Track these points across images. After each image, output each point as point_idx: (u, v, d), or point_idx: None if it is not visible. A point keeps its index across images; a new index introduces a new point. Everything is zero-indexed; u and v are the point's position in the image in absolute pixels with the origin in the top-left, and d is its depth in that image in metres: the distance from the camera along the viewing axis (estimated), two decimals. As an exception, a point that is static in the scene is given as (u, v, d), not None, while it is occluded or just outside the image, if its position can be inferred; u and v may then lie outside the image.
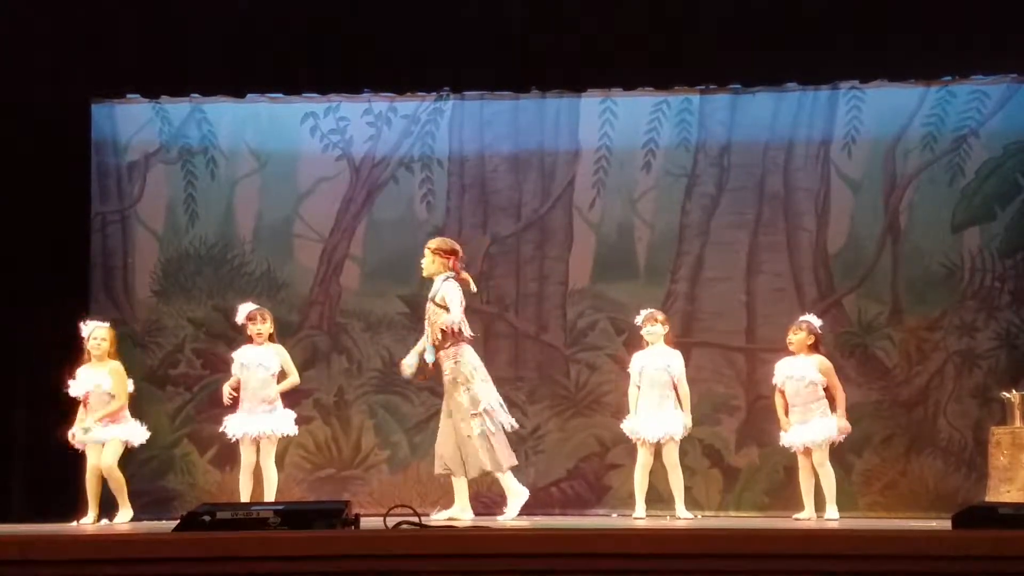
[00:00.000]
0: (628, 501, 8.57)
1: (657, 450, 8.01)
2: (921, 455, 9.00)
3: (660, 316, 8.19)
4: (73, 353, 8.01)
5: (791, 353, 8.00)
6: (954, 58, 8.74)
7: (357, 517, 4.94)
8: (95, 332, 7.97)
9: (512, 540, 4.58)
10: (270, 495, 7.95)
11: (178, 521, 4.94)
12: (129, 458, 8.39)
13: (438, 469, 7.75)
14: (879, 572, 4.34)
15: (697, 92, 9.34)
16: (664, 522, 7.59)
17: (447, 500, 7.87)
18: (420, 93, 9.46)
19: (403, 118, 9.54)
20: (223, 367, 8.76)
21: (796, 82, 9.19)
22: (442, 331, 7.55)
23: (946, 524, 5.06)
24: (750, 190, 9.34)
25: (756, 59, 8.75)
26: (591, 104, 9.42)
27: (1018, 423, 7.96)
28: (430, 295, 7.71)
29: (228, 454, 8.88)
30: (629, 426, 8.10)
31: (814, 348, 8.01)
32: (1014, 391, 8.10)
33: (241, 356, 8.14)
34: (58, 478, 8.51)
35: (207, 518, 4.80)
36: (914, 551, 4.37)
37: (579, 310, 9.32)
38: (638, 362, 8.11)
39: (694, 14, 8.50)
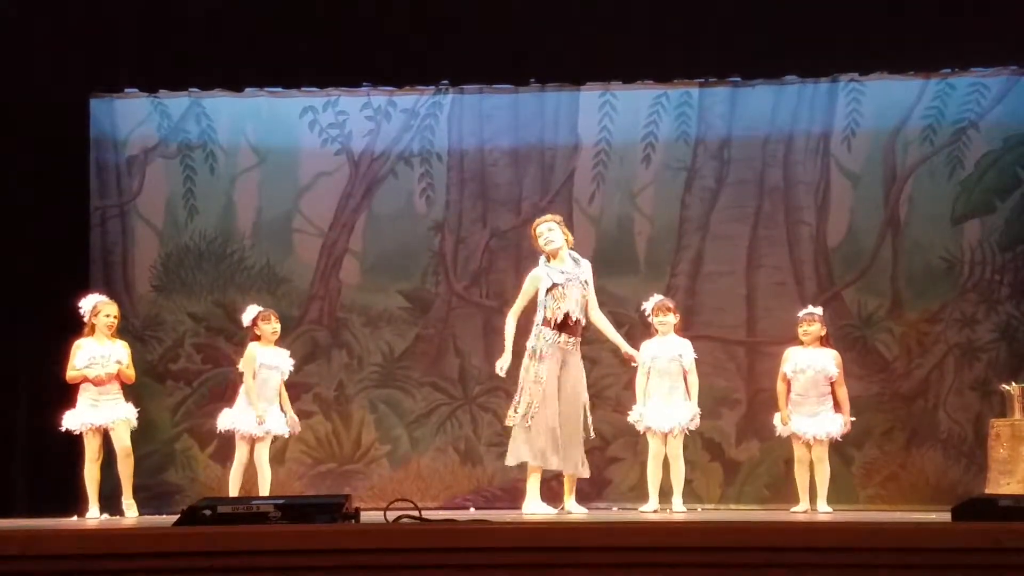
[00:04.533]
0: (629, 495, 8.59)
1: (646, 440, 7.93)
2: (921, 448, 9.01)
3: (671, 304, 8.02)
4: (72, 349, 7.98)
5: (800, 344, 7.94)
6: (953, 50, 8.75)
7: (357, 511, 4.95)
8: (107, 309, 7.82)
9: (512, 534, 4.58)
10: (266, 491, 7.94)
11: (179, 515, 4.94)
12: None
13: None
14: (879, 564, 4.35)
15: (696, 85, 9.35)
16: (665, 515, 7.58)
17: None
18: (419, 87, 9.47)
19: (402, 112, 9.54)
20: (223, 362, 8.77)
21: (796, 75, 9.20)
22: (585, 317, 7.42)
23: (946, 516, 5.07)
24: (750, 183, 9.34)
25: (755, 52, 8.75)
26: (590, 98, 9.42)
27: (1018, 415, 7.95)
28: (578, 275, 7.47)
29: (229, 449, 8.87)
30: (637, 416, 7.92)
31: (825, 341, 7.98)
32: (1014, 383, 8.09)
33: (261, 356, 8.03)
34: (60, 473, 8.51)
35: (208, 512, 4.81)
36: (914, 543, 4.38)
37: (579, 304, 9.31)
38: (649, 351, 7.92)
39: (693, 6, 8.50)
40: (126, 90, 9.45)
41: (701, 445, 9.03)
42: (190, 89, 9.44)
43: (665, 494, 7.95)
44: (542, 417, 7.26)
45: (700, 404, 7.92)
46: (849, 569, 4.36)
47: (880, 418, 9.01)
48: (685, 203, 9.37)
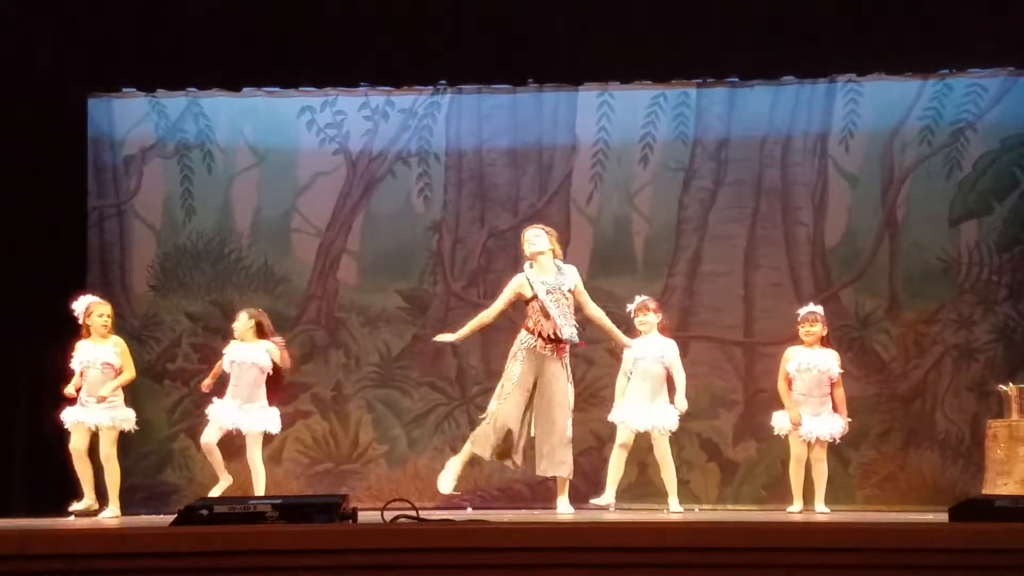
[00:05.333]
0: (625, 495, 8.55)
1: (641, 440, 7.85)
2: (919, 448, 9.02)
3: (652, 304, 7.95)
4: (69, 349, 7.97)
5: (800, 343, 7.90)
6: (951, 51, 8.75)
7: (355, 511, 4.95)
8: (99, 309, 7.85)
9: (508, 534, 4.59)
10: (260, 490, 7.94)
11: (176, 515, 4.94)
12: (127, 452, 8.39)
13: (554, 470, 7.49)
14: (877, 565, 4.35)
15: (694, 86, 9.35)
16: (661, 515, 7.57)
17: (444, 495, 7.84)
18: (417, 87, 9.47)
19: (400, 112, 9.54)
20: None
21: (793, 75, 9.20)
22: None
23: (943, 517, 5.08)
24: (747, 184, 9.34)
25: (753, 52, 8.75)
26: (588, 98, 9.42)
27: (1015, 416, 7.96)
28: (560, 284, 7.51)
29: (225, 448, 8.87)
30: (617, 414, 7.81)
31: (826, 341, 7.96)
32: (1011, 384, 8.10)
33: (231, 352, 8.06)
34: (59, 472, 8.49)
35: (205, 512, 4.81)
36: (911, 544, 4.38)
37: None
38: (632, 352, 7.85)
39: (691, 7, 8.50)
40: (124, 90, 9.45)
41: (698, 445, 9.04)
42: (188, 89, 9.43)
43: (664, 496, 7.92)
44: (503, 415, 7.39)
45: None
46: (846, 570, 4.37)
47: (877, 419, 9.02)
48: (683, 203, 9.37)
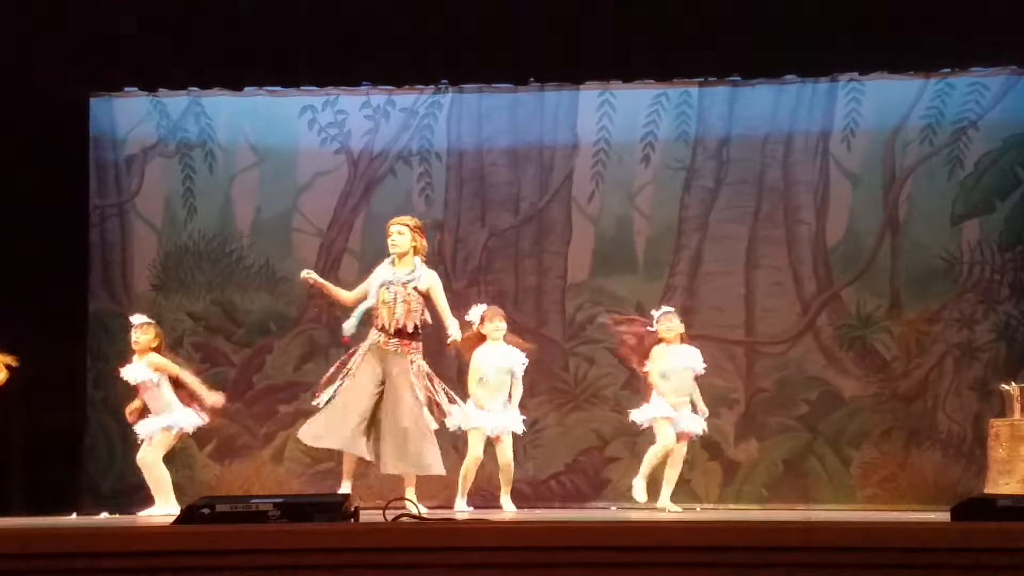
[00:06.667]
0: (627, 495, 8.56)
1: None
2: (920, 448, 9.01)
3: (501, 312, 7.89)
4: (70, 348, 7.97)
5: (669, 342, 7.69)
6: (953, 50, 8.75)
7: (357, 510, 4.95)
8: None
9: (511, 533, 4.59)
10: (157, 495, 7.73)
11: (178, 514, 4.94)
12: (127, 452, 8.37)
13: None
14: (878, 564, 4.35)
15: (696, 85, 9.35)
16: (662, 515, 7.57)
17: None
18: (418, 86, 9.47)
19: (401, 111, 9.54)
20: (223, 361, 8.78)
21: (795, 74, 9.20)
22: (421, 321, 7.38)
23: (945, 517, 5.07)
24: (749, 183, 9.34)
25: (755, 51, 8.75)
26: (589, 97, 9.42)
27: (1017, 415, 7.96)
28: (405, 279, 7.45)
29: (227, 448, 8.89)
30: (462, 417, 7.68)
31: (687, 337, 7.82)
32: (1013, 383, 8.10)
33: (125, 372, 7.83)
34: (59, 472, 8.51)
35: (206, 511, 4.81)
36: (913, 543, 4.38)
37: (578, 304, 9.33)
38: (479, 359, 7.80)
39: (693, 6, 8.50)
40: (125, 89, 9.46)
41: (700, 444, 9.01)
42: (189, 88, 9.44)
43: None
44: (342, 402, 7.34)
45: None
46: (847, 569, 4.36)
47: (879, 418, 9.02)
48: (684, 203, 9.37)
